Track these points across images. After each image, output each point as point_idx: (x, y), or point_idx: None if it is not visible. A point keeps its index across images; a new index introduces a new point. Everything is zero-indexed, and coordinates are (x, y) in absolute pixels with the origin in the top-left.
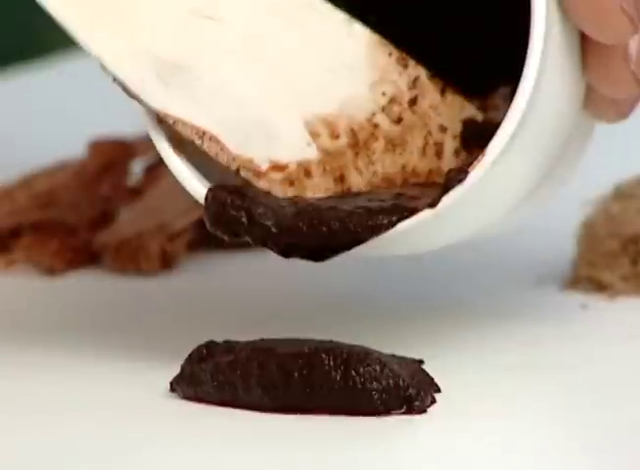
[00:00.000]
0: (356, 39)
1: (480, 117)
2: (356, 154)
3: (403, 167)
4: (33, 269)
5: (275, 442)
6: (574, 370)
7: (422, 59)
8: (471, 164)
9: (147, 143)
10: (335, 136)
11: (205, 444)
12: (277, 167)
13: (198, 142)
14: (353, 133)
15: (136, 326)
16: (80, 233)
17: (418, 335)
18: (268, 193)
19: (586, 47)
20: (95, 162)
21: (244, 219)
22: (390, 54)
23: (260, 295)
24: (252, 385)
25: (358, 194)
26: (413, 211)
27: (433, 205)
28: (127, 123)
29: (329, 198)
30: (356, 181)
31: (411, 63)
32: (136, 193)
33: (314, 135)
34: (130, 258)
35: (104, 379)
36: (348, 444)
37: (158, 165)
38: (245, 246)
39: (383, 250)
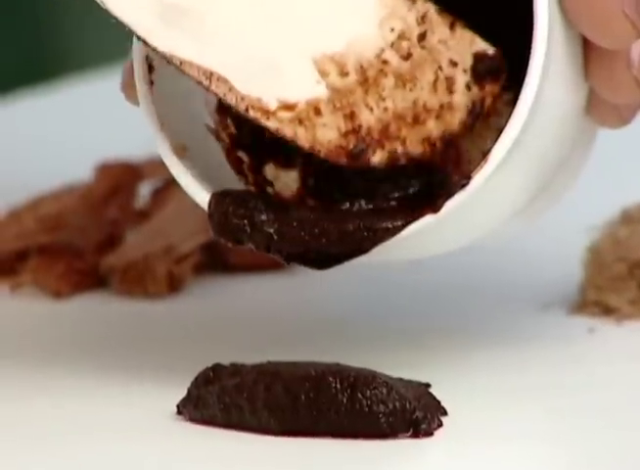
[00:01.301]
0: None
1: (491, 50)
2: (366, 91)
3: (414, 103)
4: (40, 292)
5: (282, 465)
6: (581, 393)
7: None
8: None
9: (154, 166)
10: (344, 73)
11: (211, 466)
12: (286, 106)
13: (205, 83)
14: (362, 70)
15: (143, 349)
16: (87, 256)
17: (425, 358)
18: (271, 198)
19: (589, 52)
20: (102, 185)
21: (247, 227)
22: None
23: (267, 318)
24: (259, 408)
25: (357, 193)
26: (416, 216)
27: (435, 210)
28: (134, 147)
29: (329, 204)
30: (367, 118)
31: None
32: (143, 216)
33: (323, 73)
34: (137, 281)
35: (111, 401)
36: (355, 467)
37: (165, 188)
38: (251, 268)
39: (383, 255)
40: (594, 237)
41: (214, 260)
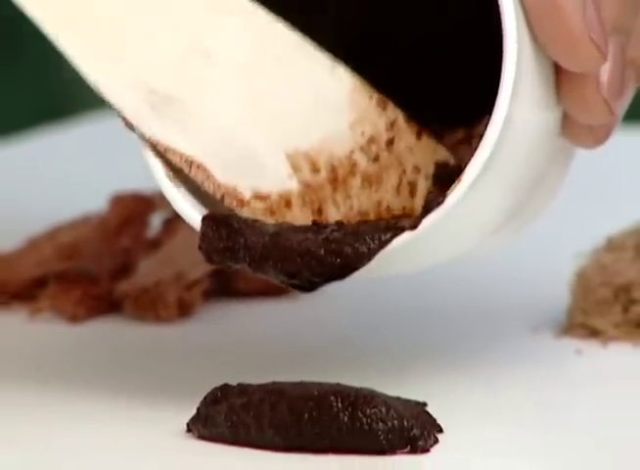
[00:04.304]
0: (340, 81)
1: (451, 160)
2: (335, 188)
3: (378, 203)
4: (57, 317)
5: None
6: (570, 412)
7: (404, 95)
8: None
9: (165, 197)
10: (315, 170)
11: None
12: (259, 197)
13: (186, 170)
14: (333, 169)
15: (154, 370)
16: (102, 282)
17: (421, 379)
18: (255, 222)
19: (560, 76)
20: (116, 215)
21: (228, 254)
22: (371, 97)
23: (271, 340)
24: (265, 426)
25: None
26: (397, 231)
27: (414, 227)
28: (146, 180)
29: (310, 227)
30: (333, 214)
31: (390, 106)
32: (155, 245)
33: (296, 168)
34: (149, 307)
35: (124, 420)
36: None
37: (175, 218)
38: (257, 294)
39: (363, 272)
40: (581, 263)
41: (222, 287)
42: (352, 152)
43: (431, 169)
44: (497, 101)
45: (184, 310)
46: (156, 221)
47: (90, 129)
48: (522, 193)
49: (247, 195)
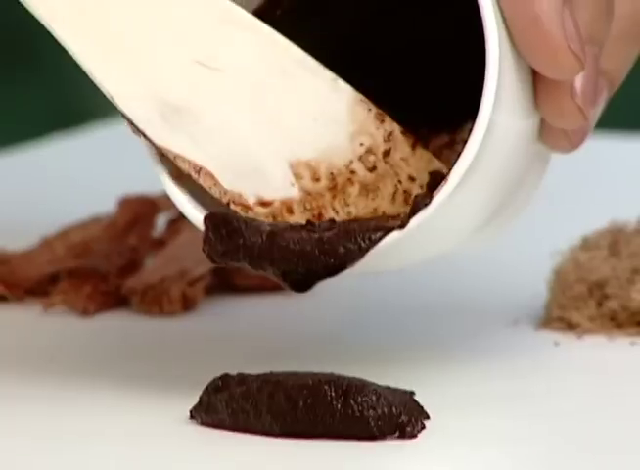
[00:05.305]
0: (340, 95)
1: (445, 170)
2: (334, 196)
3: (375, 210)
4: (69, 311)
5: (283, 464)
6: (548, 399)
7: (397, 106)
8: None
9: (169, 200)
10: (316, 179)
11: (220, 465)
12: (263, 203)
13: (194, 176)
14: (332, 177)
15: (159, 361)
16: (111, 279)
17: (409, 369)
18: (253, 221)
19: (538, 83)
20: (124, 216)
21: (229, 255)
22: (370, 110)
23: (269, 333)
24: (263, 413)
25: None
26: (386, 230)
27: (402, 226)
28: (152, 183)
29: (304, 226)
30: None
31: (387, 119)
32: (160, 244)
33: (297, 177)
34: (155, 301)
35: (131, 407)
36: (348, 465)
37: (179, 219)
38: (256, 290)
39: (353, 269)
40: (558, 261)
41: (223, 283)
42: (351, 162)
43: (425, 179)
44: (480, 108)
45: (187, 305)
46: (161, 222)
47: (100, 137)
48: (503, 194)
49: (251, 201)
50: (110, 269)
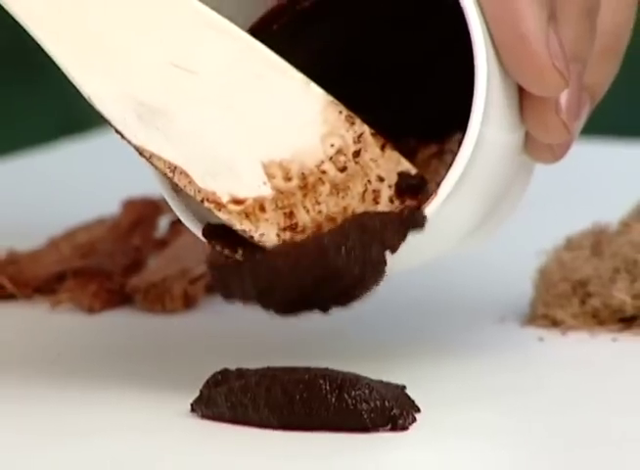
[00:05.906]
0: (312, 97)
1: (413, 171)
2: (305, 195)
3: (345, 209)
4: (75, 309)
5: (280, 455)
6: (533, 393)
7: (387, 117)
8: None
9: None
10: (288, 178)
11: (220, 456)
12: (236, 201)
13: (170, 175)
14: (304, 177)
15: (162, 356)
16: (115, 278)
17: (401, 364)
18: (257, 251)
19: (524, 99)
20: (128, 218)
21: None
22: (340, 112)
23: (267, 330)
24: (261, 406)
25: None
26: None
27: (393, 251)
28: (155, 186)
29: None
30: (303, 218)
31: (357, 121)
32: (162, 244)
33: (270, 176)
34: (157, 299)
35: (134, 401)
36: (342, 456)
37: (181, 221)
38: None
39: None
40: (543, 261)
41: None
42: (322, 162)
43: (393, 179)
44: (469, 122)
45: (188, 303)
46: (163, 223)
47: (104, 141)
48: (489, 204)
49: (224, 199)
50: (114, 268)
